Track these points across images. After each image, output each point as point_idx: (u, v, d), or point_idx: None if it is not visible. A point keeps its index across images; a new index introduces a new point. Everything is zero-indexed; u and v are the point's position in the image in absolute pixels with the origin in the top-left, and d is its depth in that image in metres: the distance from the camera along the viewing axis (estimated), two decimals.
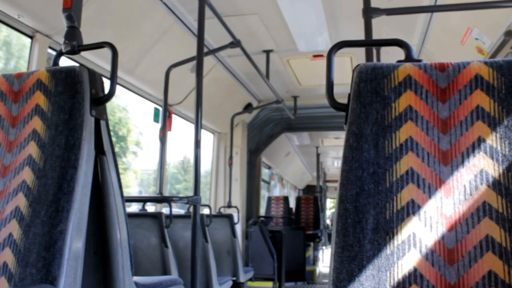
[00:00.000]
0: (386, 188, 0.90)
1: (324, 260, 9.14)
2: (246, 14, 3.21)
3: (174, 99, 3.87)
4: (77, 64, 1.48)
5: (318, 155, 9.30)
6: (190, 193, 2.19)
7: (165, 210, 3.37)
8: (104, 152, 1.21)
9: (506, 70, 0.93)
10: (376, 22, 1.94)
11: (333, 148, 9.19)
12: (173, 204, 3.01)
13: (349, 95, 1.00)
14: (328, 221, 13.14)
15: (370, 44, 1.86)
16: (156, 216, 2.60)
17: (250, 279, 4.92)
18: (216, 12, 2.67)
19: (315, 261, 7.14)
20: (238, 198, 5.20)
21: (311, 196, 8.59)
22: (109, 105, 1.25)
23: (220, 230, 3.75)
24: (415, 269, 0.84)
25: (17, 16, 2.15)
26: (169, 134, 3.85)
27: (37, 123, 1.15)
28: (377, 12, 1.92)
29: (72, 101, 1.14)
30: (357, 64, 1.02)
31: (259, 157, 6.41)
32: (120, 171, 1.34)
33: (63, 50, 1.30)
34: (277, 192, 10.94)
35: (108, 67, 1.25)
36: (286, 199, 8.18)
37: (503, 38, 2.31)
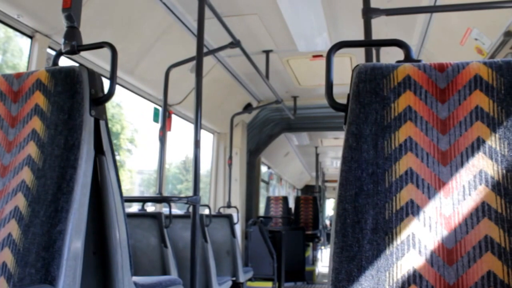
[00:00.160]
0: (385, 188, 0.90)
1: (323, 260, 9.14)
2: (245, 14, 3.21)
3: (174, 99, 3.87)
4: (76, 64, 1.48)
5: (317, 155, 9.30)
6: (192, 193, 2.19)
7: (165, 210, 3.36)
8: (104, 152, 1.21)
9: (505, 71, 0.93)
10: (375, 22, 1.94)
11: (332, 148, 9.19)
12: (172, 205, 3.01)
13: (349, 95, 1.00)
14: (327, 221, 13.13)
15: (369, 44, 1.86)
16: (155, 216, 2.59)
17: (250, 279, 4.92)
18: (215, 12, 2.67)
19: (314, 261, 7.14)
20: (238, 198, 5.20)
21: (310, 196, 8.59)
22: None
23: (219, 230, 3.75)
24: (414, 270, 0.84)
25: (16, 16, 2.15)
26: (171, 135, 3.85)
27: (36, 123, 1.15)
28: (376, 13, 1.92)
29: (72, 101, 1.14)
30: (356, 64, 1.02)
31: (259, 157, 6.41)
32: None
33: (63, 50, 1.30)
34: (276, 192, 10.94)
35: (107, 67, 1.25)
36: (285, 199, 8.17)
37: (503, 38, 2.31)
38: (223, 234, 3.76)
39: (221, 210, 4.55)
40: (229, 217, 3.82)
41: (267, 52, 3.93)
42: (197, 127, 2.19)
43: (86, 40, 1.33)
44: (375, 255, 0.86)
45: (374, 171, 0.92)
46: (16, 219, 1.05)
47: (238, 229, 4.52)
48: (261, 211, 7.70)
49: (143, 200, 2.96)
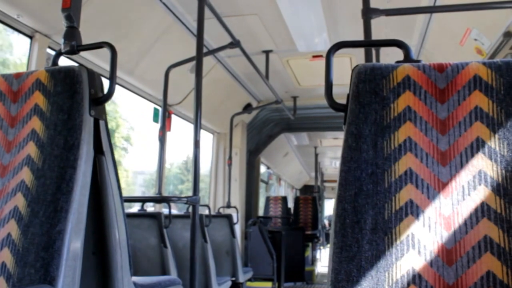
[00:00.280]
0: (384, 188, 0.90)
1: (322, 260, 9.14)
2: (245, 15, 3.21)
3: (174, 99, 3.87)
4: (76, 64, 1.48)
5: (316, 155, 9.30)
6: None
7: (165, 210, 3.36)
8: (103, 152, 1.21)
9: (504, 71, 0.93)
10: (375, 22, 1.94)
11: (331, 148, 9.19)
12: (172, 206, 3.01)
13: (348, 95, 1.00)
14: (325, 221, 13.12)
15: (369, 44, 1.86)
16: (155, 216, 2.59)
17: (249, 279, 4.91)
18: (215, 13, 2.67)
19: (313, 261, 7.14)
20: (237, 198, 5.20)
21: (310, 196, 8.58)
22: None
23: (219, 230, 3.75)
24: (414, 270, 0.84)
25: (16, 16, 2.15)
26: (173, 135, 3.85)
27: (36, 123, 1.15)
28: (376, 13, 1.92)
29: (71, 101, 1.14)
30: (356, 64, 1.03)
31: (258, 157, 6.41)
32: None
33: (62, 50, 1.30)
34: (275, 192, 10.94)
35: (107, 67, 1.25)
36: (284, 199, 8.17)
37: (502, 39, 2.31)
38: (223, 234, 3.76)
39: (221, 210, 4.56)
40: (228, 217, 3.82)
41: (267, 52, 3.93)
42: (197, 127, 2.19)
43: (85, 40, 1.33)
44: (374, 255, 0.86)
45: (373, 171, 0.92)
46: (15, 219, 1.05)
47: (238, 229, 4.52)
48: (260, 211, 7.70)
49: (142, 200, 2.96)
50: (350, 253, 0.87)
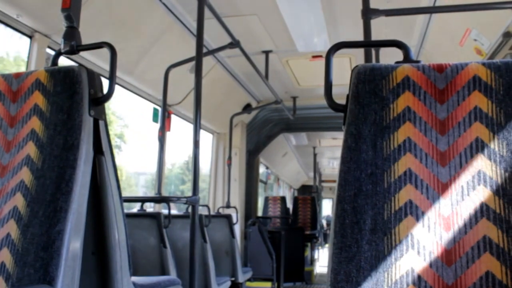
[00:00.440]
0: (384, 189, 0.90)
1: (320, 260, 9.14)
2: (245, 15, 3.21)
3: (173, 99, 3.87)
4: (76, 64, 1.48)
5: (315, 155, 9.30)
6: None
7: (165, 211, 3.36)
8: (103, 152, 1.21)
9: (504, 71, 0.93)
10: (375, 23, 1.94)
11: (329, 148, 9.19)
12: (172, 206, 3.01)
13: (348, 96, 1.00)
14: (323, 221, 13.12)
15: (368, 45, 1.86)
16: (154, 216, 2.59)
17: (249, 280, 4.91)
18: (215, 13, 2.67)
19: (312, 261, 7.14)
20: (237, 198, 5.20)
21: (309, 196, 8.58)
22: None
23: (218, 231, 3.75)
24: (413, 270, 0.84)
25: (16, 15, 2.15)
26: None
27: (35, 123, 1.15)
28: (376, 13, 1.92)
29: (71, 101, 1.14)
30: (356, 65, 1.03)
31: (258, 158, 6.41)
32: None
33: (62, 50, 1.30)
34: (274, 192, 10.94)
35: (107, 67, 1.25)
36: (283, 199, 8.17)
37: (502, 39, 2.31)
38: (222, 234, 3.76)
39: (220, 210, 4.55)
40: (228, 217, 3.82)
41: (266, 53, 3.93)
42: (197, 127, 2.19)
43: (85, 40, 1.33)
44: (373, 255, 0.86)
45: (373, 171, 0.92)
46: (15, 219, 1.05)
47: (237, 229, 4.52)
48: (259, 211, 7.70)
49: (142, 200, 2.96)
50: (350, 254, 0.87)
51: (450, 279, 0.83)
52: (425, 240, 0.86)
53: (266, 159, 8.20)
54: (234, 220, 3.99)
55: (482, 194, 0.87)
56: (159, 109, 3.63)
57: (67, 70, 1.17)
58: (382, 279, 0.85)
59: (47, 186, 1.06)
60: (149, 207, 3.70)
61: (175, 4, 2.93)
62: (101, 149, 1.20)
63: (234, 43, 3.11)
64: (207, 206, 3.81)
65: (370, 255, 0.86)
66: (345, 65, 4.12)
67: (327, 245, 11.93)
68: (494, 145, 0.89)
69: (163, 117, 3.20)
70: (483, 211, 0.85)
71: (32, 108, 1.17)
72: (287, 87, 4.92)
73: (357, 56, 3.89)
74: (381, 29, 3.14)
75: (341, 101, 1.04)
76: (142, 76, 3.26)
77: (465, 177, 0.89)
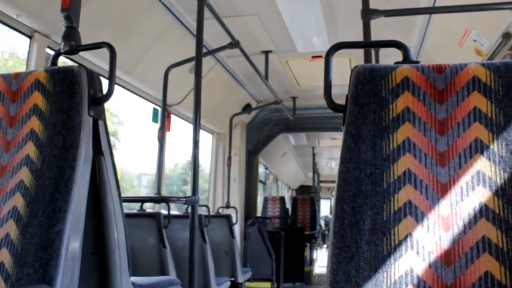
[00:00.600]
0: (383, 189, 0.90)
1: (318, 261, 9.14)
2: (245, 15, 3.21)
3: (173, 99, 3.87)
4: (75, 64, 1.48)
5: (314, 155, 9.30)
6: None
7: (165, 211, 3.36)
8: (102, 152, 1.21)
9: (503, 72, 0.93)
10: (374, 23, 1.95)
11: (327, 149, 9.19)
12: (172, 206, 3.00)
13: (347, 96, 1.00)
14: (321, 222, 13.13)
15: (368, 45, 1.86)
16: (154, 216, 2.59)
17: (248, 280, 4.91)
18: (215, 13, 2.67)
19: (312, 261, 7.14)
20: (237, 198, 5.20)
21: (308, 196, 8.58)
22: None
23: (218, 231, 3.75)
24: (412, 270, 0.84)
25: (15, 16, 2.15)
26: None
27: (35, 123, 1.15)
28: (375, 14, 1.92)
29: (70, 101, 1.14)
30: (355, 65, 1.03)
31: (257, 158, 6.41)
32: None
33: (62, 50, 1.30)
34: (273, 192, 10.94)
35: (106, 67, 1.25)
36: (282, 199, 8.18)
37: (501, 39, 2.31)
38: (222, 234, 3.76)
39: (220, 211, 4.55)
40: (228, 217, 3.82)
41: (266, 53, 3.93)
42: (196, 127, 2.19)
43: (85, 40, 1.33)
44: (373, 256, 0.86)
45: (372, 172, 0.92)
46: (14, 219, 1.05)
47: (237, 229, 4.52)
48: (258, 211, 7.70)
49: (141, 200, 2.96)
50: (349, 254, 0.87)
51: (449, 279, 0.83)
52: (424, 240, 0.86)
53: (265, 159, 8.20)
54: (234, 220, 3.99)
55: (481, 195, 0.87)
56: (159, 109, 3.63)
57: (67, 70, 1.17)
58: (381, 280, 0.85)
59: (47, 186, 1.06)
60: (149, 208, 3.70)
61: (175, 4, 2.93)
62: (100, 149, 1.21)
63: (234, 43, 3.11)
64: (206, 206, 3.81)
65: (370, 255, 0.86)
66: (344, 66, 4.12)
67: (325, 246, 11.95)
68: (494, 146, 0.89)
69: (163, 117, 3.20)
70: (482, 211, 0.86)
71: (31, 108, 1.17)
72: (287, 87, 4.92)
73: (357, 57, 3.89)
74: (381, 29, 3.14)
75: (341, 101, 1.04)
76: (142, 76, 3.26)
77: (465, 178, 0.89)
